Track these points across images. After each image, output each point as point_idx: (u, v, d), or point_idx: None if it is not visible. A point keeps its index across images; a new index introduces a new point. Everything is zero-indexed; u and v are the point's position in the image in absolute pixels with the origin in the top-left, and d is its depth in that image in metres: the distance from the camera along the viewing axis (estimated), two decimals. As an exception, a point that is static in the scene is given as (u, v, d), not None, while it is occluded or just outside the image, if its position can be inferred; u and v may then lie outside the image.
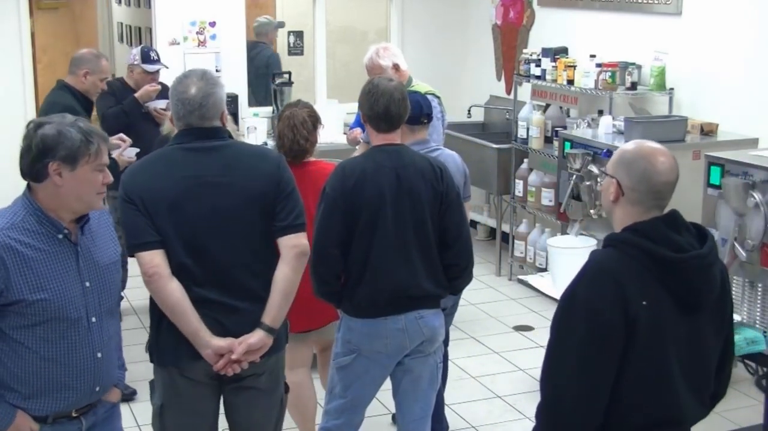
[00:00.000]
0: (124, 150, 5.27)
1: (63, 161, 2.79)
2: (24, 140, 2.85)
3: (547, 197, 6.38)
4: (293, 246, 3.27)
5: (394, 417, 4.43)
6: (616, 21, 6.70)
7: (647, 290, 2.42)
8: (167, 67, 6.27)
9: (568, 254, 4.94)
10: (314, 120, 4.34)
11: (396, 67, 5.27)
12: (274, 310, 3.26)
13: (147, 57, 6.11)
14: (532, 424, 2.63)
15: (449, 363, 4.92)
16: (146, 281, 3.21)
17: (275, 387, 3.46)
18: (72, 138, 2.80)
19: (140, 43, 8.02)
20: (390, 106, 3.61)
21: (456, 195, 3.68)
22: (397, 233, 3.57)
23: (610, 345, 2.39)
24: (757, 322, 4.23)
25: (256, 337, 3.23)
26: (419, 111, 4.10)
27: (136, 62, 6.09)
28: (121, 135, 5.38)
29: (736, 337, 4.09)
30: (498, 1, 8.01)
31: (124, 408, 3.46)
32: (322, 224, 3.60)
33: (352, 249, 3.58)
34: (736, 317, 4.24)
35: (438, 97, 5.31)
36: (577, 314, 2.42)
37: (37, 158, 2.80)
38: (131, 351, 3.79)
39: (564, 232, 5.41)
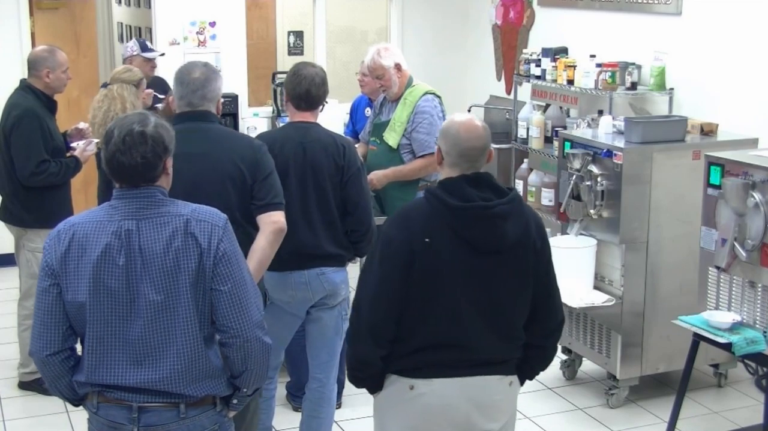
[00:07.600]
0: (88, 146, 5.26)
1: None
2: None
3: (547, 197, 6.37)
4: (273, 222, 3.58)
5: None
6: (616, 21, 6.70)
7: (435, 231, 2.93)
8: (163, 54, 6.63)
9: (569, 254, 4.95)
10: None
11: (398, 66, 5.27)
12: None
13: (144, 46, 6.36)
14: (521, 417, 2.67)
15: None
16: None
17: None
18: None
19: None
20: (311, 88, 4.08)
21: (357, 170, 4.13)
22: (299, 199, 4.00)
23: (397, 266, 2.92)
24: (757, 322, 4.23)
25: None
26: None
27: (135, 53, 6.28)
28: (79, 126, 5.36)
29: (736, 337, 4.11)
30: (498, 1, 8.01)
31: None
32: None
33: None
34: (736, 317, 4.26)
35: (438, 97, 5.31)
36: (379, 244, 3.02)
37: None
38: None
39: (564, 232, 5.40)
